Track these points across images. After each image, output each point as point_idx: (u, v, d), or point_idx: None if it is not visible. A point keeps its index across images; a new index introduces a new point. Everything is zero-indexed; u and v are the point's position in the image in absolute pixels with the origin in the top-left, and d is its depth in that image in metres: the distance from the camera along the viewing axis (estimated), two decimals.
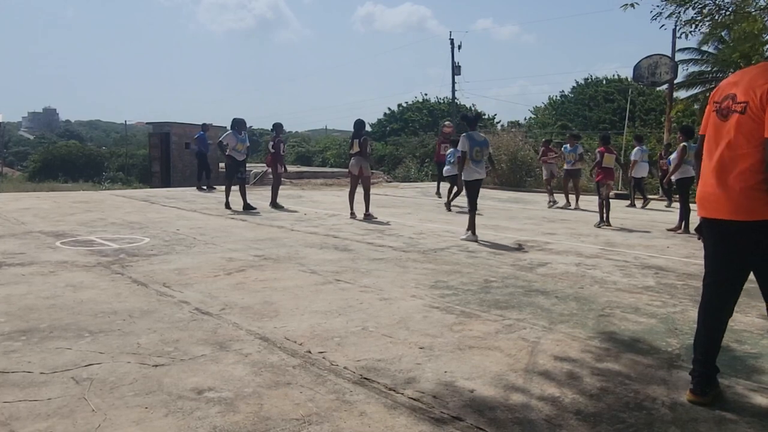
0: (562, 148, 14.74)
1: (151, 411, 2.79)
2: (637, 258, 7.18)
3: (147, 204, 12.48)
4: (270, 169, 12.46)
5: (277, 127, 12.52)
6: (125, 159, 50.71)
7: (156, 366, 3.35)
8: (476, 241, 8.16)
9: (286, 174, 13.75)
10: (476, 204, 8.55)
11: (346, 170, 12.09)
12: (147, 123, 29.63)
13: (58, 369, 3.27)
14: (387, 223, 10.03)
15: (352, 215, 10.77)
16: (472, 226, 8.35)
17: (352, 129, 11.09)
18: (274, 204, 12.20)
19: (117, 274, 5.70)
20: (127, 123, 77.79)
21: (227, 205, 11.76)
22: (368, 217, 10.54)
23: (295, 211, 11.67)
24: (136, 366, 3.34)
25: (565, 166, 14.24)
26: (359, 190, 10.97)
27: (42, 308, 4.46)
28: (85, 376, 3.18)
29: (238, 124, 11.94)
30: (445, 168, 12.99)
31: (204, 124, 16.86)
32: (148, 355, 3.51)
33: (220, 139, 12.10)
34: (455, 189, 11.88)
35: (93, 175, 42.69)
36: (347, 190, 11.55)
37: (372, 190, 11.32)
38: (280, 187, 12.75)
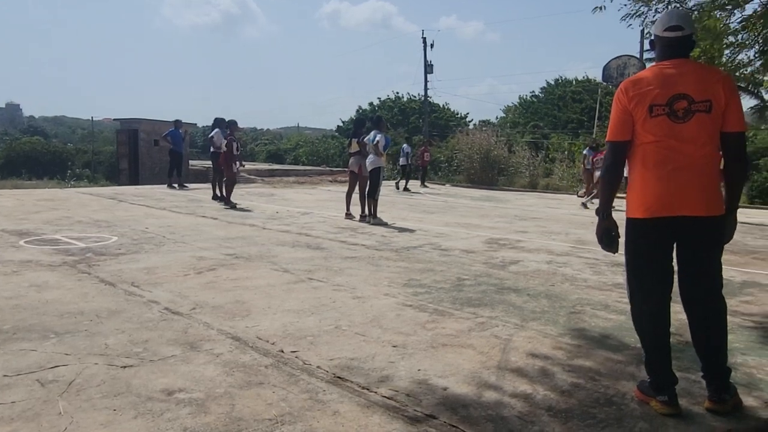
0: (585, 151, 16.56)
1: (119, 413, 2.73)
2: (606, 255, 7.27)
3: (114, 202, 12.25)
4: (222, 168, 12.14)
5: (231, 124, 12.25)
6: (92, 156, 49.78)
7: (124, 367, 3.29)
8: (376, 223, 9.74)
9: (257, 172, 13.70)
10: (375, 190, 10.06)
11: (319, 168, 12.04)
12: (114, 119, 29.00)
13: (23, 371, 3.18)
14: (361, 221, 10.00)
15: (348, 215, 10.42)
16: (373, 210, 10.06)
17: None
18: (228, 202, 11.68)
19: (83, 273, 5.58)
20: (94, 119, 76.02)
21: (221, 198, 12.46)
22: (364, 218, 10.12)
23: (250, 210, 11.58)
24: (104, 367, 3.27)
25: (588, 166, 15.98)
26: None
27: (5, 309, 4.34)
28: (51, 378, 3.11)
29: (222, 123, 12.93)
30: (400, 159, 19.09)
31: (177, 121, 16.61)
32: (116, 356, 3.44)
33: (212, 135, 13.12)
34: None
35: (58, 172, 41.76)
36: (320, 188, 11.47)
37: (344, 189, 11.20)
38: (234, 186, 12.33)
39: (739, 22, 5.71)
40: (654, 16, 5.96)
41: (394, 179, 20.36)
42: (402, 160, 19.06)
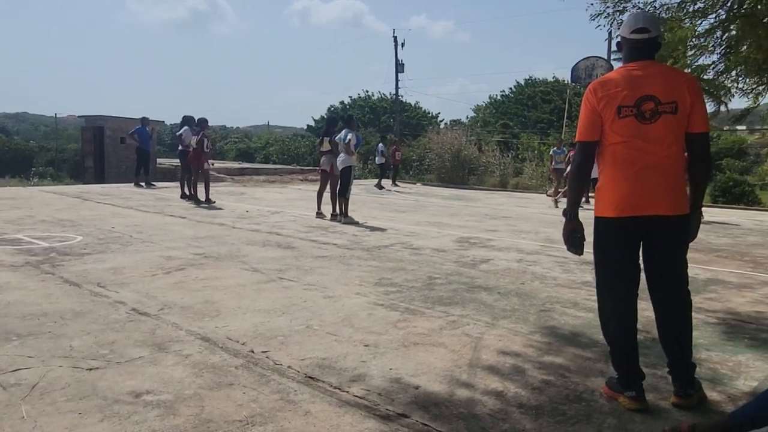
0: (552, 151, 16.76)
1: (85, 416, 2.67)
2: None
3: (79, 201, 12.00)
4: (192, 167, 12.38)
5: (202, 122, 12.41)
6: (55, 154, 48.67)
7: (90, 369, 3.21)
8: (347, 222, 9.74)
9: (227, 171, 13.62)
10: (346, 189, 10.03)
11: (289, 167, 11.98)
12: (79, 116, 28.30)
13: None
14: (332, 220, 9.97)
15: (319, 214, 10.39)
16: (344, 209, 10.01)
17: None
18: (205, 199, 12.03)
19: (47, 274, 5.44)
20: (58, 116, 74.02)
21: (187, 196, 12.51)
22: (335, 217, 10.09)
23: (221, 208, 11.46)
24: (69, 370, 3.20)
25: (555, 166, 16.10)
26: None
27: None
28: (13, 381, 3.02)
29: (191, 121, 12.82)
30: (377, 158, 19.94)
31: (143, 118, 16.34)
32: (81, 359, 3.37)
33: (181, 133, 12.95)
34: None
35: (20, 170, 40.68)
36: (290, 187, 11.40)
37: (315, 187, 11.15)
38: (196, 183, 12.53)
39: (705, 30, 5.84)
40: (619, 17, 6.05)
41: (365, 178, 20.56)
42: (378, 159, 19.61)
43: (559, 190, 15.34)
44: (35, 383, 3.00)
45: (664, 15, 5.80)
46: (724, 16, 5.61)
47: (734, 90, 6.48)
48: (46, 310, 4.30)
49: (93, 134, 22.87)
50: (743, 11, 5.28)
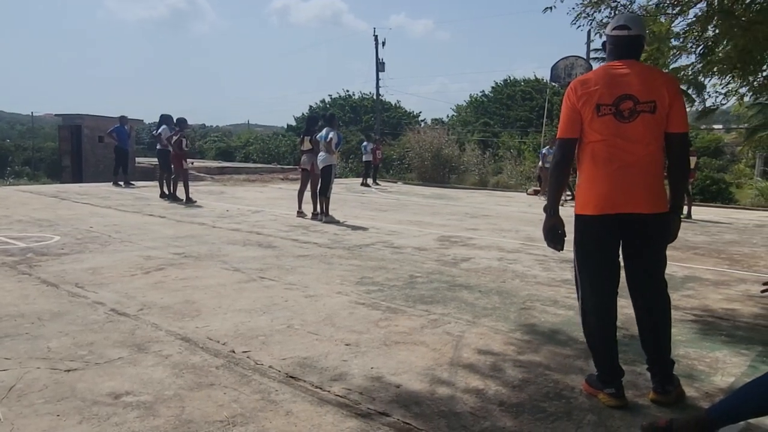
0: (544, 150, 16.63)
1: (63, 418, 2.64)
2: (555, 252, 7.43)
3: (57, 200, 11.83)
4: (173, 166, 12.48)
5: (181, 122, 12.49)
6: (32, 153, 47.87)
7: (68, 371, 3.17)
8: (328, 221, 9.70)
9: (207, 170, 13.55)
10: (327, 188, 9.97)
11: (270, 166, 11.93)
12: (56, 115, 27.88)
13: None
14: (313, 219, 9.94)
15: (300, 213, 10.36)
16: (325, 208, 9.96)
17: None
18: (188, 199, 12.05)
19: (24, 274, 5.36)
20: (34, 114, 72.79)
21: (166, 195, 12.53)
22: (316, 216, 10.08)
23: (201, 207, 11.38)
24: (47, 371, 3.15)
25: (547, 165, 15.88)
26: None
27: None
28: None
29: (169, 120, 12.81)
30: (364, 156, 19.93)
31: (122, 117, 16.14)
32: (59, 360, 3.32)
33: (160, 132, 12.82)
34: None
35: None
36: (271, 186, 11.35)
37: (296, 187, 11.11)
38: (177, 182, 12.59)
39: (683, 29, 5.92)
40: (601, 19, 6.11)
41: (346, 177, 20.67)
42: (365, 157, 19.82)
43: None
44: (12, 385, 2.96)
45: (643, 14, 5.87)
46: (701, 14, 5.68)
47: (712, 90, 6.58)
48: (23, 311, 4.23)
49: (70, 133, 22.54)
50: (722, 9, 5.35)
